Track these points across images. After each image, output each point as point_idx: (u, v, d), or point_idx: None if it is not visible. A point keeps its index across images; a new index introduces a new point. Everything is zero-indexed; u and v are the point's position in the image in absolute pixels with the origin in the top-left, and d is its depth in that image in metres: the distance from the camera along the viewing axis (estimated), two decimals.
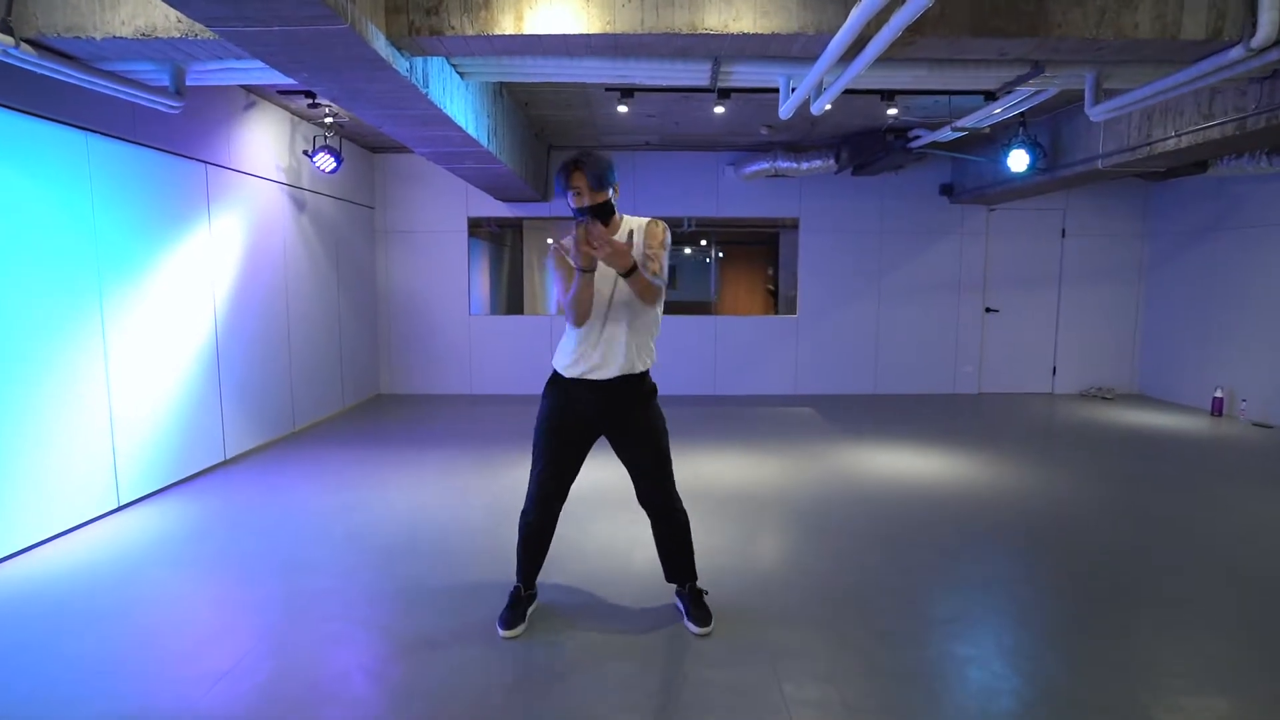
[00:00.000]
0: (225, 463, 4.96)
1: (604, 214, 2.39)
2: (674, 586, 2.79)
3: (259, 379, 5.41)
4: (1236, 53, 2.85)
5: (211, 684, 2.28)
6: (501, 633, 2.58)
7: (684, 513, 2.68)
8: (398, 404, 7.34)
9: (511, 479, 4.56)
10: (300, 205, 6.05)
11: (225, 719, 2.12)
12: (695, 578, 2.73)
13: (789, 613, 2.77)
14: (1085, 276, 8.03)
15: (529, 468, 2.63)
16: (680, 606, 2.73)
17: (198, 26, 2.88)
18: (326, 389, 6.56)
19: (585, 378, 2.49)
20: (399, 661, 2.44)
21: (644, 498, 2.64)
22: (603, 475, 3.97)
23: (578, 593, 2.93)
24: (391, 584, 3.03)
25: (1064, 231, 7.96)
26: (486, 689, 2.27)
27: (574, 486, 2.66)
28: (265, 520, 3.86)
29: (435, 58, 3.42)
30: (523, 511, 2.64)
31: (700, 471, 4.74)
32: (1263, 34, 2.72)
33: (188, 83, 3.80)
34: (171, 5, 2.25)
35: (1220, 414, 6.73)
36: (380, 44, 2.80)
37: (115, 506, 3.94)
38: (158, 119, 4.18)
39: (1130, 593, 2.96)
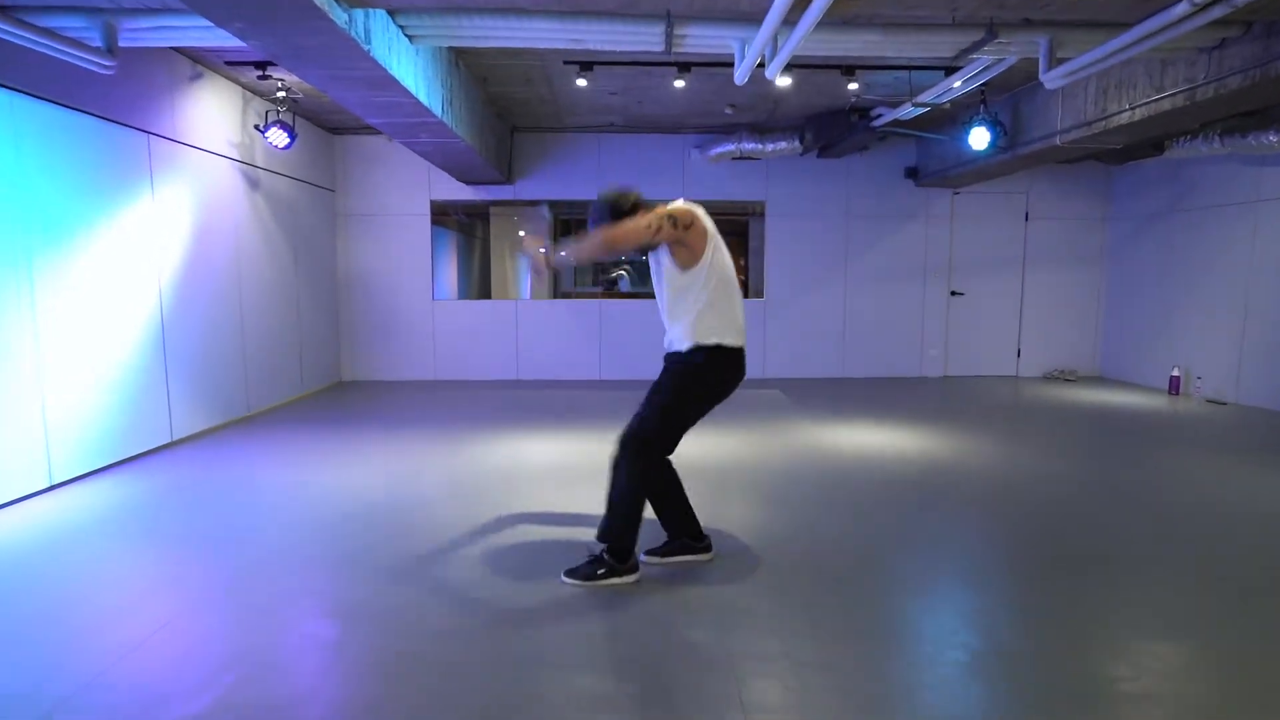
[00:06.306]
0: (172, 444, 4.80)
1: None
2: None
3: (210, 360, 5.25)
4: (1182, 8, 2.85)
5: (120, 656, 2.13)
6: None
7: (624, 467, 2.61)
8: (359, 390, 7.19)
9: (468, 456, 4.45)
10: (254, 183, 5.88)
11: (129, 690, 1.97)
12: (604, 540, 2.63)
13: (753, 577, 2.72)
14: (1049, 260, 8.09)
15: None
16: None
17: None
18: (284, 374, 6.40)
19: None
20: (338, 628, 2.35)
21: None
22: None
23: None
24: (336, 555, 2.93)
25: (1028, 215, 8.02)
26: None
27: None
28: (206, 497, 3.74)
29: (377, 11, 3.32)
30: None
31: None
32: None
33: (121, 42, 3.67)
34: None
35: (1177, 393, 6.81)
36: None
37: (46, 486, 3.78)
38: (93, 83, 4.02)
39: (1087, 553, 2.95)
